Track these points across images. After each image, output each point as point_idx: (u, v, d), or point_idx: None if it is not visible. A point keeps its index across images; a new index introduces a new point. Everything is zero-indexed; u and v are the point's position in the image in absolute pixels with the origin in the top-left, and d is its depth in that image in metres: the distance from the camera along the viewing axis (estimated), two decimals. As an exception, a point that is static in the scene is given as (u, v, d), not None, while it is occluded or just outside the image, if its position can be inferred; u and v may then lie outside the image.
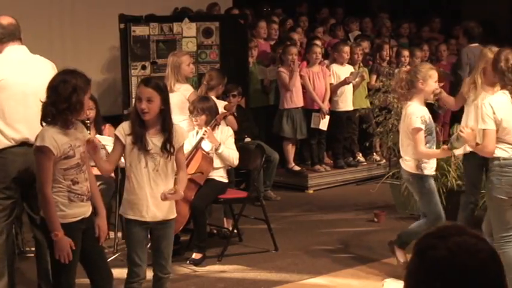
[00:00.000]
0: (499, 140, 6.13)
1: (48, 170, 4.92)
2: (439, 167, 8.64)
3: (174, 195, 5.35)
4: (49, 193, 4.94)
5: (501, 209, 6.12)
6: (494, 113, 6.08)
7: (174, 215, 5.57)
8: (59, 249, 4.96)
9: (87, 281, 5.39)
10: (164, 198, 5.34)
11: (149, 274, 5.63)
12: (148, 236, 5.59)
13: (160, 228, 5.49)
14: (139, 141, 5.32)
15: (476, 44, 10.75)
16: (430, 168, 6.70)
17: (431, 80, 6.66)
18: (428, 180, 6.70)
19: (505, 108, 6.12)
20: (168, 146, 5.35)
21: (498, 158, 6.13)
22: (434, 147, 6.80)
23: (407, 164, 6.70)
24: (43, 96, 5.07)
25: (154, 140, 5.36)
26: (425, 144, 6.56)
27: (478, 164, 7.07)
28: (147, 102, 5.29)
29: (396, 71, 11.16)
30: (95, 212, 5.27)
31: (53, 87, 4.98)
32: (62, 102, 4.93)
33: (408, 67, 7.47)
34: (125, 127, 5.41)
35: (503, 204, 6.10)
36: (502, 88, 6.21)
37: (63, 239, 4.96)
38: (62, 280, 5.15)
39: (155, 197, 5.37)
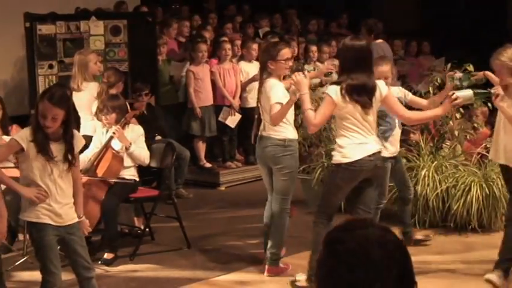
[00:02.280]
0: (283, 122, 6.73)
1: None
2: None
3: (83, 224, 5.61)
4: None
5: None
6: None
7: (77, 218, 5.55)
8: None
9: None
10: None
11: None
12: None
13: (72, 232, 5.45)
14: (45, 150, 5.26)
15: (381, 40, 10.94)
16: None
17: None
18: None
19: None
20: (70, 156, 5.34)
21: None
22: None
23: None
24: None
25: (57, 147, 5.32)
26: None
27: None
28: (52, 120, 5.22)
29: (306, 66, 11.31)
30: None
31: None
32: None
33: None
34: (27, 134, 5.30)
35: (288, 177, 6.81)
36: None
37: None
38: None
39: (62, 202, 5.38)
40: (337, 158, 6.26)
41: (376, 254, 2.13)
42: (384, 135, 7.25)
